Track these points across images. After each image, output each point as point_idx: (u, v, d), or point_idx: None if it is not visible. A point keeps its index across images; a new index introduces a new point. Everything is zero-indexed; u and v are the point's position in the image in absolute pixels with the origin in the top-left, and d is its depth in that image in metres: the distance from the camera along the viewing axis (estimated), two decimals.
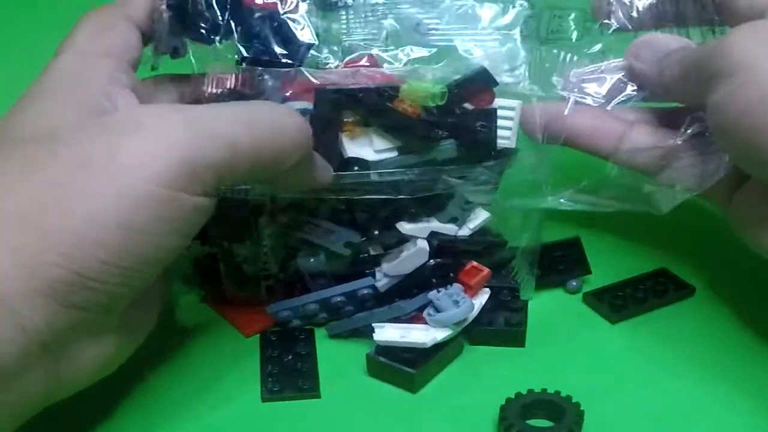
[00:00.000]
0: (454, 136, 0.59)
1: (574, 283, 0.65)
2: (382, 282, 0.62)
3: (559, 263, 0.66)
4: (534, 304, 0.64)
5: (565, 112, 0.62)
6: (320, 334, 0.62)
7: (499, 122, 0.60)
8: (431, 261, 0.61)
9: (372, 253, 0.61)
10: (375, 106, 0.58)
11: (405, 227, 0.61)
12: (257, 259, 0.61)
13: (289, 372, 0.58)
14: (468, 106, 0.60)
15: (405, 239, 0.61)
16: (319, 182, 0.57)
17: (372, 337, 0.58)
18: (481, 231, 0.63)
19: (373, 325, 0.59)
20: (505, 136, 0.61)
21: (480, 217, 0.63)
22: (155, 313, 0.55)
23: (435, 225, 0.61)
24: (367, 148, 0.59)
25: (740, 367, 0.59)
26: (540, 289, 0.64)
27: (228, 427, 0.56)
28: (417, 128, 0.58)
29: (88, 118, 0.50)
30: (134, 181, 0.46)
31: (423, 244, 0.61)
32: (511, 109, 0.61)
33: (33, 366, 0.45)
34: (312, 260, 0.61)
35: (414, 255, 0.61)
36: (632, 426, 0.55)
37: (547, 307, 0.64)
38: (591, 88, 0.64)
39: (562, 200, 0.62)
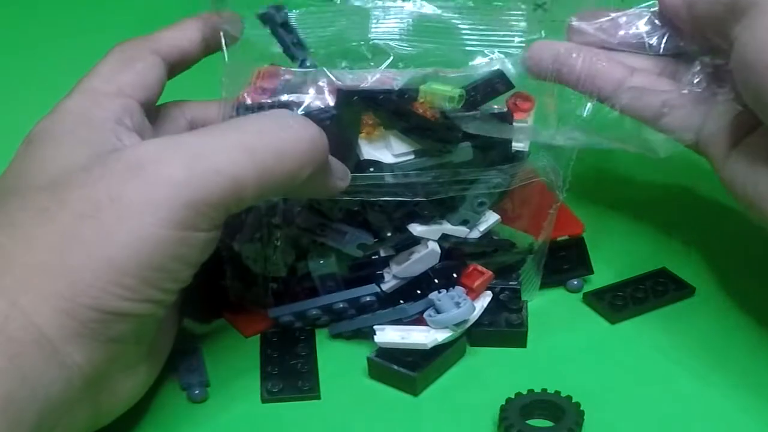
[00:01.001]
0: (469, 139, 0.60)
1: (576, 282, 0.65)
2: (389, 284, 0.61)
3: (563, 262, 0.66)
4: (534, 304, 0.64)
5: (572, 54, 0.61)
6: (321, 335, 0.62)
7: (514, 125, 0.61)
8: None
9: (383, 255, 0.61)
10: (395, 108, 0.58)
11: (417, 229, 0.61)
12: (267, 260, 0.61)
13: (289, 373, 0.58)
14: (486, 108, 0.61)
15: (416, 241, 0.61)
16: (334, 190, 0.56)
17: (373, 338, 0.58)
18: (489, 233, 0.64)
19: (374, 327, 0.59)
20: (521, 141, 0.62)
21: (490, 219, 0.63)
22: (173, 338, 0.57)
23: (446, 227, 0.61)
24: (384, 150, 0.59)
25: (740, 366, 0.59)
26: (541, 288, 0.65)
27: (227, 428, 0.56)
28: (435, 131, 0.59)
29: (94, 160, 0.50)
30: (142, 226, 0.47)
31: (434, 246, 0.61)
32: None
33: (78, 401, 0.48)
34: (322, 262, 0.61)
35: (425, 257, 0.61)
36: (632, 426, 0.55)
37: (548, 307, 0.64)
38: (600, 29, 0.63)
39: (558, 137, 0.60)
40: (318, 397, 0.57)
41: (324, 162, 0.54)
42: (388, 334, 0.58)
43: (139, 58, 0.57)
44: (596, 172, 0.76)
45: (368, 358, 0.58)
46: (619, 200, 0.75)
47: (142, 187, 0.47)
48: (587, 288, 0.65)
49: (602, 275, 0.66)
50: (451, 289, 0.59)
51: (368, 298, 0.60)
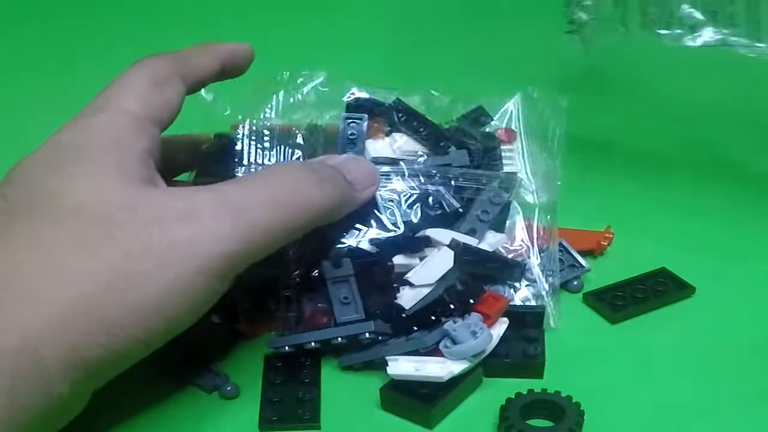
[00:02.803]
0: (465, 148, 0.66)
1: (575, 283, 0.65)
2: (406, 297, 0.59)
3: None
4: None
5: None
6: (330, 362, 0.60)
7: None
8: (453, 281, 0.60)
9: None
10: (403, 108, 0.65)
11: (428, 231, 0.61)
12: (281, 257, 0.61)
13: (291, 400, 0.56)
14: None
15: (427, 244, 0.61)
16: (361, 203, 0.59)
17: (386, 369, 0.56)
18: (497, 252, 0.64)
19: (386, 358, 0.56)
20: (510, 160, 0.66)
21: (496, 237, 0.63)
22: None
23: (455, 234, 0.61)
24: (389, 150, 0.64)
25: (740, 366, 0.59)
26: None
27: None
28: (436, 129, 0.66)
29: (137, 195, 0.50)
30: (183, 272, 0.48)
31: (447, 249, 0.60)
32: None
33: (51, 424, 0.48)
34: (336, 268, 0.59)
35: (439, 260, 0.60)
36: (632, 426, 0.55)
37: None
38: None
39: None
40: (318, 427, 0.55)
41: (352, 207, 0.57)
42: (402, 366, 0.55)
43: (168, 82, 0.56)
44: (597, 173, 0.76)
45: (381, 389, 0.56)
46: (620, 200, 0.75)
47: (190, 236, 0.49)
48: (587, 288, 0.65)
49: (602, 275, 0.66)
50: (467, 316, 0.57)
51: (366, 335, 0.58)
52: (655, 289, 0.65)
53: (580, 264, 0.66)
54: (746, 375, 0.59)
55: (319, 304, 0.60)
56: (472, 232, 0.62)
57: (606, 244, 0.69)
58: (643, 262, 0.67)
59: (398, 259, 0.60)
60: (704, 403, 0.57)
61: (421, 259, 0.61)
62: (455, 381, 0.55)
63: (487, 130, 0.68)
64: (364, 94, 0.67)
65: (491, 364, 0.57)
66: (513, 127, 0.69)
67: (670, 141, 0.84)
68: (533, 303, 0.62)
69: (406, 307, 0.59)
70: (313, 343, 0.58)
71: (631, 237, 0.70)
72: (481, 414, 0.55)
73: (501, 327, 0.58)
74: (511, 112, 0.69)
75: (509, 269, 0.62)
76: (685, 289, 0.65)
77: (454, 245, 0.60)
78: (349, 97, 0.66)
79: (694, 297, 0.65)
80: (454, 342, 0.55)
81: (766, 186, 0.77)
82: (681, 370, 0.59)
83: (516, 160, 0.67)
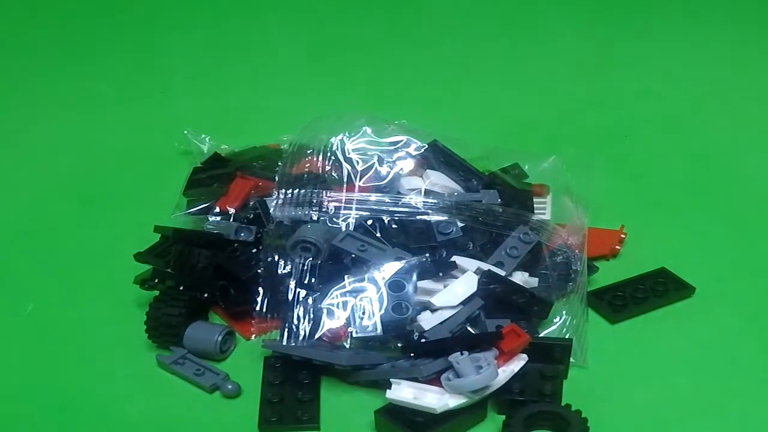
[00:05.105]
0: (495, 187, 0.69)
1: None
2: (426, 319, 0.59)
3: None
4: None
5: None
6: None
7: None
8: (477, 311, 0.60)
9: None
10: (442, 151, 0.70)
11: (458, 259, 0.62)
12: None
13: (290, 401, 0.57)
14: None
15: (453, 266, 0.62)
16: None
17: (388, 388, 0.55)
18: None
19: (391, 381, 0.55)
20: (542, 210, 0.69)
21: (525, 277, 0.63)
22: None
23: (483, 264, 0.62)
24: (422, 185, 0.67)
25: (740, 366, 0.60)
26: None
27: None
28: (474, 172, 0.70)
29: None
30: None
31: (472, 274, 0.61)
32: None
33: None
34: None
35: (462, 284, 0.60)
36: (633, 426, 0.56)
37: None
38: None
39: None
40: (317, 428, 0.56)
41: None
42: (402, 391, 0.55)
43: None
44: (598, 174, 0.76)
45: (376, 414, 0.55)
46: (620, 200, 0.75)
47: None
48: (588, 288, 0.65)
49: (602, 275, 0.66)
50: (479, 350, 0.55)
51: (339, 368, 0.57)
52: (655, 289, 0.65)
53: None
54: (746, 375, 0.59)
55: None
56: (499, 265, 0.62)
57: (619, 247, 0.69)
58: (643, 262, 0.67)
59: (423, 284, 0.61)
60: (704, 402, 0.57)
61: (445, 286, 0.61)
62: (452, 414, 0.54)
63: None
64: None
65: (503, 402, 0.56)
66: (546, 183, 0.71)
67: (669, 143, 0.84)
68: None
69: (425, 328, 0.59)
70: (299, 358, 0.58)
71: (631, 237, 0.70)
72: (484, 424, 0.55)
73: (517, 364, 0.56)
74: (546, 169, 0.72)
75: (535, 304, 0.60)
76: (685, 289, 0.65)
77: (478, 271, 0.61)
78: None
79: (694, 297, 0.65)
80: (457, 375, 0.54)
81: (764, 187, 0.77)
82: (681, 370, 0.59)
83: (547, 211, 0.69)
